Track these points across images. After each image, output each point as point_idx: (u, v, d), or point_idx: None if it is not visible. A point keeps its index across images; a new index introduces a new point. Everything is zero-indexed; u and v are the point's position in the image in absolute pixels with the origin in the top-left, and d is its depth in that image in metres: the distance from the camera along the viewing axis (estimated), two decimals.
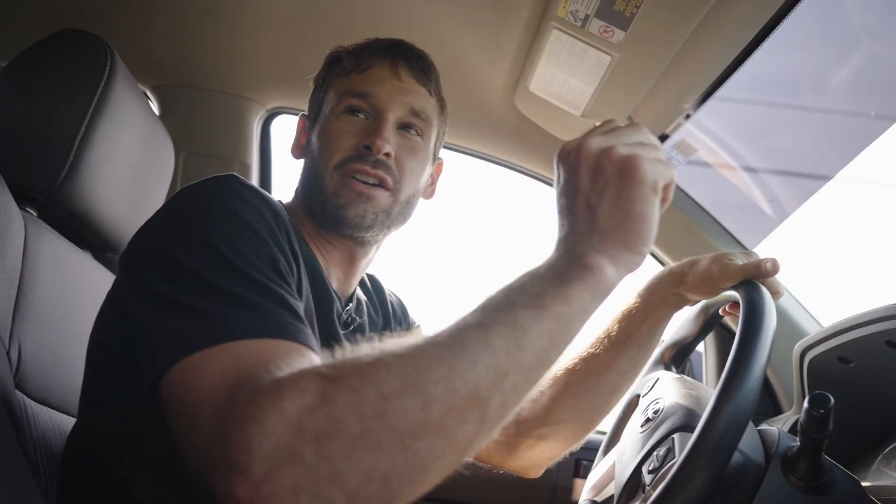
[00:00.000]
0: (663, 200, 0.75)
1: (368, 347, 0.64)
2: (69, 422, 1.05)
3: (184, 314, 0.70)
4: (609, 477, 1.13)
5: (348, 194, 1.04)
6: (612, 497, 1.07)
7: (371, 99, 1.07)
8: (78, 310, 1.17)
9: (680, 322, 1.23)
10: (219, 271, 0.74)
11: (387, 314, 1.28)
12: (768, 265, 0.99)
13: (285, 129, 1.99)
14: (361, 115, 1.07)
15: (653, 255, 1.85)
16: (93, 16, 1.67)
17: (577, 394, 1.19)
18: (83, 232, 1.24)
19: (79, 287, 1.19)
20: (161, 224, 0.85)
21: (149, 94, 1.91)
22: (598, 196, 0.71)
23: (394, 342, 0.64)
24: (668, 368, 1.22)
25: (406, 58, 1.12)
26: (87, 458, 0.91)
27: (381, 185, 1.05)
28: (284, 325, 0.71)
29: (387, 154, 1.05)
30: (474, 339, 0.62)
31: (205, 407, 0.62)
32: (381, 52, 1.11)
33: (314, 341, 0.73)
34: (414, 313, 1.37)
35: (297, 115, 1.26)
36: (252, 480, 0.55)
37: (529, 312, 0.65)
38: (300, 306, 0.79)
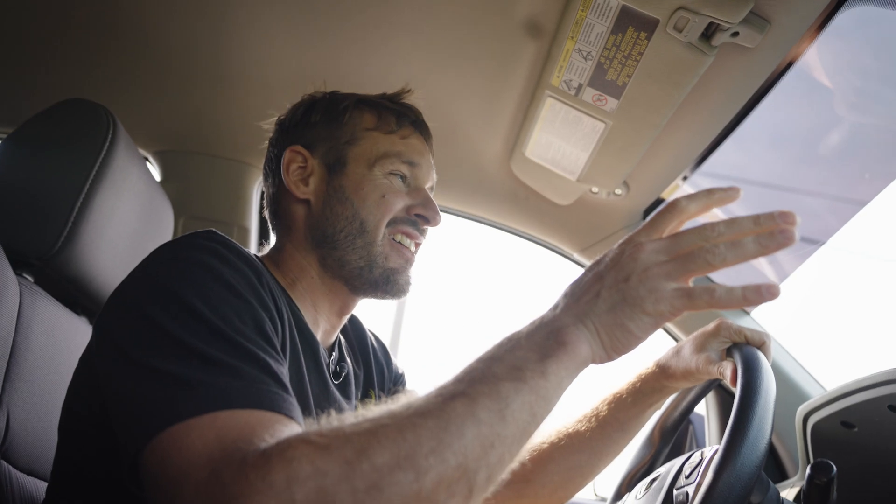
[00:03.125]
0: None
1: (354, 416, 0.63)
2: None
3: (164, 383, 0.68)
4: None
5: (398, 259, 1.11)
6: None
7: (415, 170, 1.14)
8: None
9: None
10: (200, 336, 0.72)
11: (367, 357, 1.27)
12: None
13: None
14: (400, 178, 1.12)
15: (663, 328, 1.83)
16: (97, 85, 1.71)
17: (559, 470, 1.21)
18: (80, 298, 1.24)
19: (73, 354, 1.17)
20: (139, 285, 0.82)
21: (150, 159, 1.94)
22: (608, 290, 0.72)
23: (379, 410, 0.63)
24: (663, 443, 1.22)
25: (429, 133, 1.21)
26: None
27: (415, 250, 1.14)
28: (269, 394, 0.69)
29: None
30: (460, 410, 0.62)
31: (187, 481, 0.60)
32: (417, 124, 1.18)
33: (298, 412, 0.71)
34: (397, 359, 1.36)
35: None
36: None
37: (511, 385, 0.65)
38: (284, 372, 0.77)
